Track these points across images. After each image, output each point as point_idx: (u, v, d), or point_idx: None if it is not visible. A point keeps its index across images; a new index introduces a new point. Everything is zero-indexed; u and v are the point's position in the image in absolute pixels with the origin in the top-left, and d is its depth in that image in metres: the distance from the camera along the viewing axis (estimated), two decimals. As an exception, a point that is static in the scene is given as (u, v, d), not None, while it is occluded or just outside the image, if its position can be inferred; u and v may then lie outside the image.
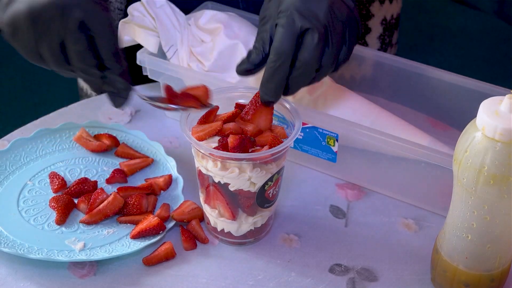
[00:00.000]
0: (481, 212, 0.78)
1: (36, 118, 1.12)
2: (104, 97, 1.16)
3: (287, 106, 0.90)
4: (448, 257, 0.84)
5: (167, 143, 1.08)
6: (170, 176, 0.99)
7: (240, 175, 0.85)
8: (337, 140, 0.98)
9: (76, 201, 0.96)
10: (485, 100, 0.76)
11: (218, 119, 0.88)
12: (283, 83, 0.84)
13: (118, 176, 0.99)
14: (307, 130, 1.00)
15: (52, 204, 0.95)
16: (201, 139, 0.86)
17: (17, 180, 0.99)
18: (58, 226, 0.93)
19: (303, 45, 0.83)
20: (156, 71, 1.06)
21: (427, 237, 0.94)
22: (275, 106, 0.88)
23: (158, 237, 0.90)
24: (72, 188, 0.97)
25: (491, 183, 0.75)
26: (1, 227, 0.92)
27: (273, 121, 0.90)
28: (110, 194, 0.94)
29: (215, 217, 0.90)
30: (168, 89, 0.88)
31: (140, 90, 0.97)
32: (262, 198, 0.88)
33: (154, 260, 0.89)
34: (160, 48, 1.06)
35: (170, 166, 1.01)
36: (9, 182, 0.99)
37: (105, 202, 0.93)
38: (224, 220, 0.90)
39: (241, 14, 1.13)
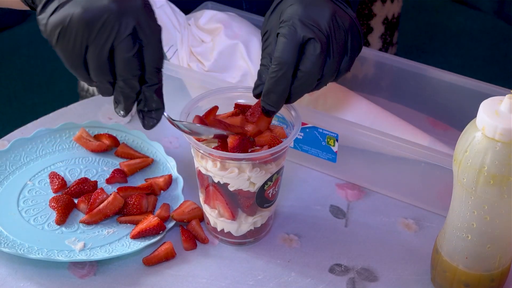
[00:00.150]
0: (481, 212, 0.78)
1: (36, 118, 1.12)
2: (104, 97, 1.16)
3: (287, 106, 0.90)
4: (448, 257, 0.84)
5: (167, 143, 1.08)
6: (170, 176, 0.99)
7: (240, 175, 0.85)
8: (337, 140, 0.98)
9: (76, 201, 0.96)
10: (485, 100, 0.76)
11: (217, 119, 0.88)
12: (285, 94, 0.84)
13: (118, 176, 0.99)
14: (307, 130, 1.00)
15: (52, 204, 0.95)
16: (200, 139, 0.86)
17: (17, 180, 0.99)
18: (58, 226, 0.93)
19: (305, 55, 0.82)
20: (156, 71, 1.06)
21: (427, 237, 0.94)
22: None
23: (158, 237, 0.90)
24: (72, 188, 0.97)
25: (491, 183, 0.75)
26: (1, 227, 0.92)
27: (273, 121, 0.90)
28: (110, 194, 0.94)
29: (215, 217, 0.90)
30: (200, 119, 0.87)
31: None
32: (262, 198, 0.88)
33: (154, 260, 0.89)
34: (160, 48, 1.06)
35: (170, 166, 1.01)
36: (9, 182, 0.99)
37: (105, 202, 0.93)
38: (224, 220, 0.90)
39: (242, 14, 1.13)
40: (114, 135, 1.06)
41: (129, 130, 1.07)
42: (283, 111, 0.90)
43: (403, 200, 1.00)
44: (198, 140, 0.86)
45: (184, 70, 1.05)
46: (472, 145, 0.76)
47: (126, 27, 0.76)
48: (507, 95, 0.75)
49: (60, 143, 1.05)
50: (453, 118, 1.08)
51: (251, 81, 1.05)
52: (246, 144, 0.84)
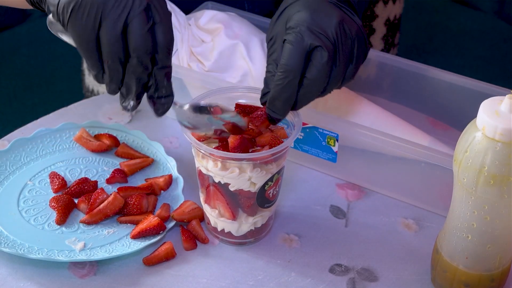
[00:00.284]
0: (481, 212, 0.78)
1: (36, 118, 1.12)
2: (104, 97, 1.16)
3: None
4: (448, 257, 0.84)
5: (167, 143, 1.08)
6: (170, 176, 0.99)
7: (241, 175, 0.85)
8: (337, 140, 0.98)
9: (76, 201, 0.96)
10: (485, 100, 0.76)
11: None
12: (291, 101, 0.83)
13: (118, 176, 0.99)
14: (307, 130, 1.00)
15: (52, 204, 0.95)
16: (200, 138, 0.86)
17: (17, 180, 0.99)
18: (58, 226, 0.93)
19: (311, 63, 0.81)
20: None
21: (427, 237, 0.94)
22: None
23: (158, 237, 0.90)
24: (72, 188, 0.97)
25: (491, 183, 0.75)
26: (1, 227, 0.92)
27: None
28: (110, 194, 0.94)
29: (215, 217, 0.90)
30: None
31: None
32: (262, 198, 0.88)
33: (154, 260, 0.89)
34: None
35: (170, 166, 1.01)
36: (9, 182, 0.99)
37: (105, 202, 0.93)
38: (224, 220, 0.90)
39: (242, 14, 1.13)
40: (114, 135, 1.06)
41: (129, 130, 1.07)
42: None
43: (403, 200, 1.00)
44: (199, 139, 0.86)
45: (184, 70, 1.05)
46: (472, 145, 0.76)
47: (140, 2, 0.76)
48: (507, 95, 0.75)
49: (60, 143, 1.05)
50: (453, 118, 1.08)
51: (251, 81, 1.05)
52: (247, 144, 0.84)
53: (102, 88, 1.35)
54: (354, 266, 0.90)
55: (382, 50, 1.39)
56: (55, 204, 0.94)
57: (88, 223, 0.93)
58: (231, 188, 0.86)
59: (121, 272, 0.89)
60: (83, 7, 0.76)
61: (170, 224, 0.92)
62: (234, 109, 0.88)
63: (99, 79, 0.81)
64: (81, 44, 0.78)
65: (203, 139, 0.87)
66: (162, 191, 0.98)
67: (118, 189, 0.95)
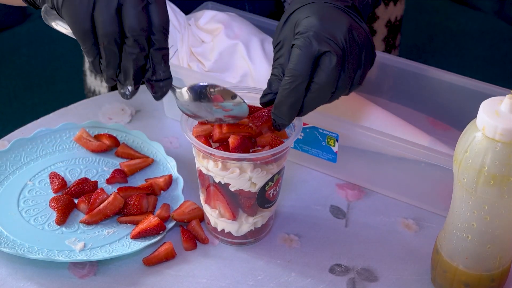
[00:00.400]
0: (481, 212, 0.78)
1: (36, 118, 1.12)
2: (104, 97, 1.16)
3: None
4: (448, 257, 0.84)
5: (167, 143, 1.08)
6: (170, 176, 0.99)
7: (241, 176, 0.85)
8: (337, 140, 0.98)
9: (76, 201, 0.96)
10: (485, 100, 0.76)
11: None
12: (297, 106, 0.82)
13: (118, 176, 0.99)
14: (308, 130, 1.00)
15: (52, 204, 0.95)
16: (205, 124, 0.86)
17: (17, 180, 0.99)
18: (58, 226, 0.93)
19: (320, 68, 0.81)
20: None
21: (427, 237, 0.94)
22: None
23: (158, 237, 0.90)
24: (72, 188, 0.97)
25: (491, 183, 0.75)
26: (1, 227, 0.92)
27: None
28: (110, 194, 0.94)
29: (216, 217, 0.90)
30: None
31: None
32: (263, 198, 0.88)
33: (154, 260, 0.89)
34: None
35: (170, 166, 1.01)
36: (9, 182, 0.99)
37: (105, 202, 0.93)
38: (225, 220, 0.90)
39: (242, 15, 1.13)
40: (114, 135, 1.06)
41: (129, 130, 1.07)
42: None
43: (403, 200, 1.00)
44: (202, 123, 0.85)
45: (184, 70, 1.05)
46: (472, 145, 0.76)
47: None
48: (507, 95, 0.75)
49: (60, 143, 1.05)
50: (453, 118, 1.08)
51: (251, 81, 1.05)
52: (247, 144, 0.84)
53: (103, 88, 1.35)
54: (354, 266, 0.90)
55: (383, 52, 1.39)
56: (55, 204, 0.94)
57: (88, 223, 0.93)
58: (232, 188, 0.86)
59: (121, 272, 0.89)
60: None
61: (170, 224, 0.92)
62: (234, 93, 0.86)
63: (95, 66, 0.80)
64: (76, 27, 0.78)
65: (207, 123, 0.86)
66: (162, 191, 0.98)
67: (118, 189, 0.95)
